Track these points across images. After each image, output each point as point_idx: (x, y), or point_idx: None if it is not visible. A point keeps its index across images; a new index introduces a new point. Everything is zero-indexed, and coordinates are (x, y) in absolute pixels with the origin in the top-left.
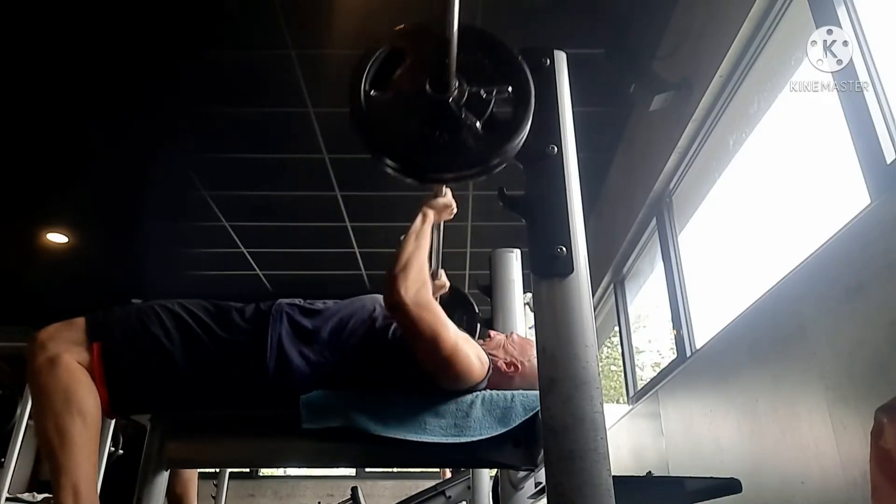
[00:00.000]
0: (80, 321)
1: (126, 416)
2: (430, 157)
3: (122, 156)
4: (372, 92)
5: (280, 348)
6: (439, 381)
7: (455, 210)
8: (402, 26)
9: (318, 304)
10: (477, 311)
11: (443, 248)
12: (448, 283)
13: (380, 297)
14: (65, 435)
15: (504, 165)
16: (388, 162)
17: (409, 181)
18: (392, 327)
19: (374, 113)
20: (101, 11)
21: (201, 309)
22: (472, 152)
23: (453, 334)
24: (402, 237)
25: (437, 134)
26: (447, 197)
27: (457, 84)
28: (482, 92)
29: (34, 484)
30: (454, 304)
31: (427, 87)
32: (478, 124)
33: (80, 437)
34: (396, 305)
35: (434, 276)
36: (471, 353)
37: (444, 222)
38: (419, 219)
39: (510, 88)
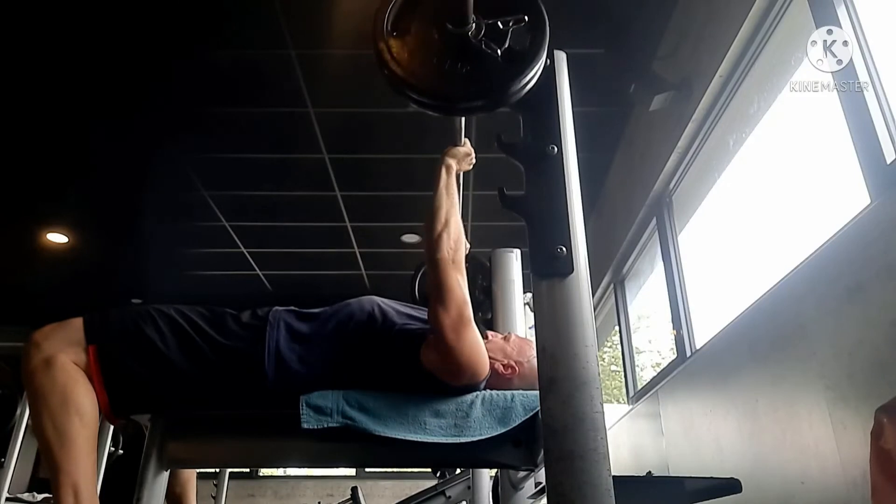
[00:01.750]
0: (77, 322)
1: (125, 418)
2: (453, 88)
3: (122, 156)
4: (394, 32)
5: (278, 354)
6: (443, 367)
7: (474, 159)
8: None
9: (314, 310)
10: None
11: (462, 196)
12: (468, 245)
13: (377, 298)
14: (63, 435)
15: (525, 93)
16: (413, 95)
17: (432, 114)
18: (392, 328)
19: (396, 52)
20: (101, 11)
21: (197, 314)
22: (494, 81)
23: (472, 323)
24: (430, 203)
25: (458, 66)
26: (467, 146)
27: (474, 18)
28: (499, 23)
29: (34, 483)
30: (472, 270)
31: (446, 23)
32: (497, 53)
33: (78, 436)
34: (439, 262)
35: None
36: (480, 342)
37: None
38: (443, 171)
39: (526, 18)
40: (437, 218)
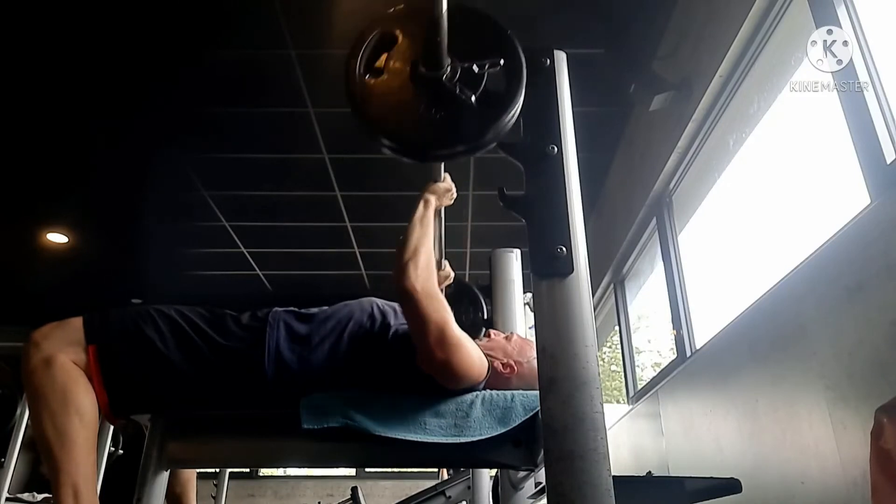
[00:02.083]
0: (77, 322)
1: (125, 418)
2: (426, 135)
3: (122, 156)
4: (367, 76)
5: (278, 354)
6: (439, 378)
7: (455, 195)
8: (392, 9)
9: (313, 310)
10: (483, 303)
11: (444, 247)
12: (452, 274)
13: (376, 299)
14: (63, 435)
15: (500, 139)
16: (386, 142)
17: (406, 160)
18: (392, 329)
19: (369, 95)
20: (101, 12)
21: (197, 315)
22: (468, 127)
23: (457, 331)
24: (403, 234)
25: (432, 111)
26: (447, 181)
27: (449, 61)
28: (474, 67)
29: (35, 482)
30: (459, 296)
31: (420, 66)
32: (472, 98)
33: (78, 436)
34: (407, 293)
35: (437, 266)
36: (472, 351)
37: (445, 220)
38: (421, 205)
39: (502, 61)
40: (404, 248)
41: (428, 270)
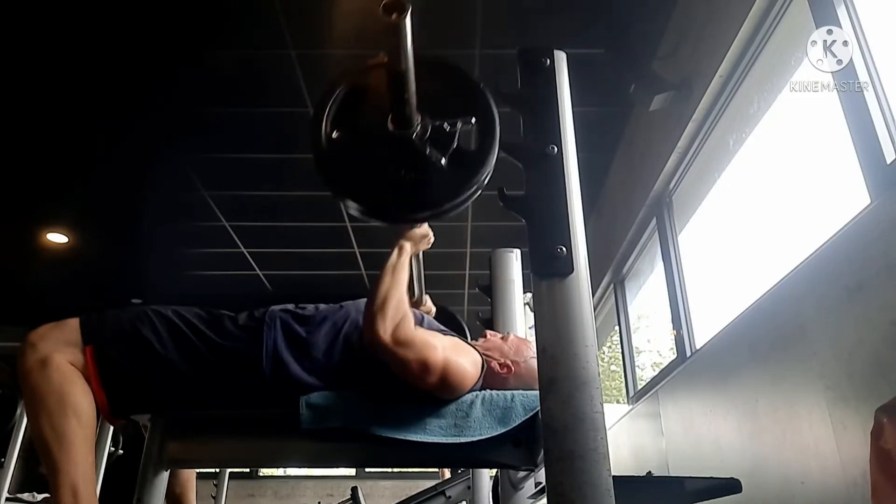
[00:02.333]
0: (73, 322)
1: (124, 418)
2: (396, 198)
3: (122, 156)
4: (334, 133)
5: (276, 354)
6: (437, 395)
7: (432, 240)
8: (359, 64)
9: (310, 309)
10: (468, 334)
11: (442, 236)
12: (434, 308)
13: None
14: (61, 435)
15: (474, 198)
16: (354, 204)
17: (375, 223)
18: None
19: (336, 154)
20: (101, 12)
21: (194, 315)
22: (439, 189)
23: (441, 354)
24: (373, 282)
25: (402, 172)
26: (423, 227)
27: (419, 119)
28: (445, 125)
29: (35, 481)
30: (443, 322)
31: (389, 123)
32: (443, 161)
33: (75, 436)
34: (377, 345)
35: (418, 304)
36: (462, 362)
37: (437, 227)
38: (395, 252)
39: (473, 120)
40: (373, 299)
41: (396, 319)
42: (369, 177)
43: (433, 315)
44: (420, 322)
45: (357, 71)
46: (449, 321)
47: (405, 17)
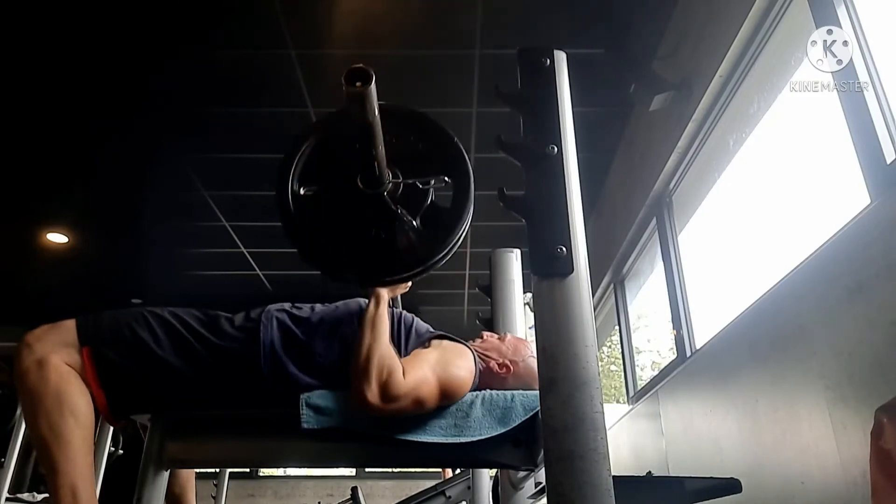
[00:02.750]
0: (70, 323)
1: (124, 419)
2: (365, 261)
3: (122, 156)
4: (301, 190)
5: (273, 354)
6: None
7: (409, 283)
8: (325, 117)
9: (305, 309)
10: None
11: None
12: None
13: (363, 300)
14: (59, 436)
15: (448, 259)
16: (324, 267)
17: (345, 284)
18: None
19: (303, 213)
20: (101, 11)
21: (191, 317)
22: (413, 250)
23: (434, 378)
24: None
25: (372, 233)
26: None
27: (390, 176)
28: (418, 183)
29: (35, 481)
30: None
31: (359, 181)
32: (415, 222)
33: (74, 436)
34: (369, 408)
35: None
36: (456, 373)
37: None
38: (371, 304)
39: (447, 178)
40: (357, 358)
41: (383, 378)
42: (339, 237)
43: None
44: (409, 328)
45: (324, 124)
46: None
47: (370, 86)
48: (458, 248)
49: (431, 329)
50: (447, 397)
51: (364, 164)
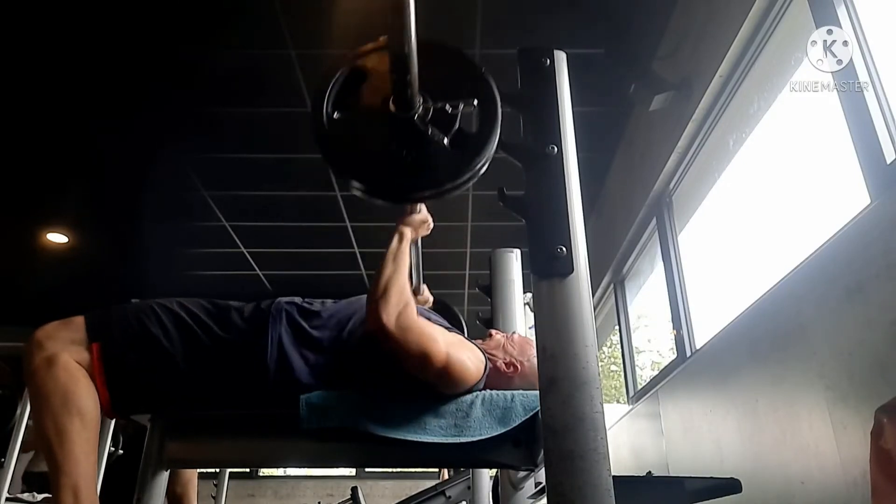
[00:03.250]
0: (79, 320)
1: (126, 416)
2: (397, 177)
3: (122, 156)
4: (335, 114)
5: (280, 348)
6: (435, 388)
7: (431, 225)
8: (362, 47)
9: (317, 304)
10: (464, 326)
11: (442, 236)
12: (431, 299)
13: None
14: (64, 435)
15: (474, 181)
16: (356, 184)
17: (378, 202)
18: None
19: (338, 135)
20: (101, 11)
21: (200, 308)
22: (441, 169)
23: (444, 346)
24: (375, 270)
25: (403, 153)
26: (422, 213)
27: (421, 101)
28: (447, 107)
29: (26, 479)
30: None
31: (391, 105)
32: (445, 140)
33: (78, 436)
34: (379, 332)
35: (416, 292)
36: (464, 358)
37: (437, 227)
38: (395, 239)
39: (476, 102)
40: (375, 287)
41: (400, 304)
42: (371, 157)
43: (430, 305)
44: (426, 316)
45: (360, 53)
46: (446, 313)
47: (410, 20)
48: (485, 170)
49: (447, 324)
50: (449, 375)
51: (396, 89)
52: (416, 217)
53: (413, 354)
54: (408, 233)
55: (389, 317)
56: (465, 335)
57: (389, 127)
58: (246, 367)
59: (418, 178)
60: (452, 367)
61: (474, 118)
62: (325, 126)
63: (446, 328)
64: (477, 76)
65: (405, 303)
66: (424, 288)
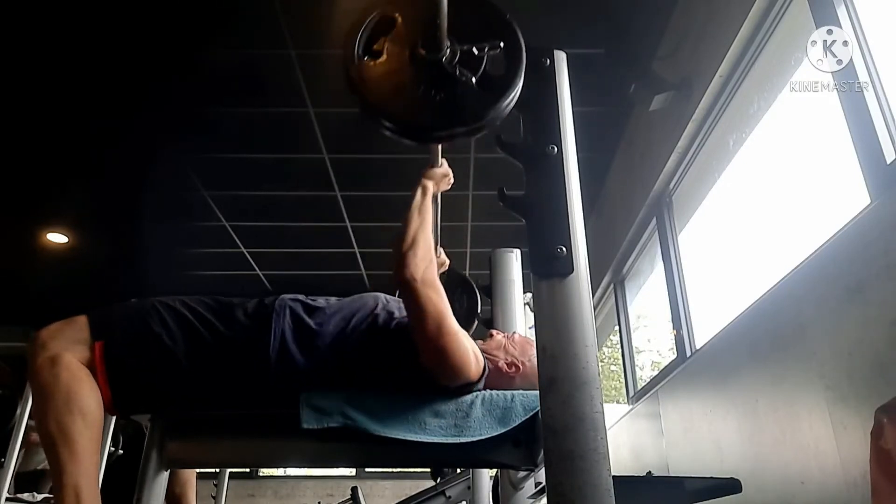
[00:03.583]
0: (82, 319)
1: (127, 415)
2: (426, 116)
3: (122, 155)
4: (365, 58)
5: (283, 342)
6: (436, 372)
7: (452, 180)
8: None
9: (321, 301)
10: (477, 292)
11: (441, 236)
12: (447, 262)
13: (382, 294)
14: (66, 434)
15: (499, 122)
16: (386, 123)
17: (407, 142)
18: (393, 323)
19: (368, 77)
20: (101, 11)
21: (203, 305)
22: (469, 109)
23: (454, 324)
24: (401, 222)
25: (432, 93)
26: (444, 167)
27: (448, 44)
28: (474, 49)
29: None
30: (453, 285)
31: (420, 48)
32: (473, 80)
33: (81, 436)
34: (406, 283)
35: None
36: (468, 346)
37: (445, 220)
38: (419, 192)
39: (502, 45)
40: (403, 238)
41: (427, 259)
42: (400, 98)
43: (446, 268)
44: None
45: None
46: (459, 282)
47: None
48: (509, 111)
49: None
50: (449, 355)
51: (426, 34)
52: (438, 171)
53: (430, 314)
54: (430, 186)
55: (417, 269)
56: (477, 306)
57: (419, 69)
58: (248, 361)
59: (447, 118)
60: (458, 345)
61: (499, 62)
62: (355, 67)
63: None
64: (503, 21)
65: (430, 259)
66: (441, 251)
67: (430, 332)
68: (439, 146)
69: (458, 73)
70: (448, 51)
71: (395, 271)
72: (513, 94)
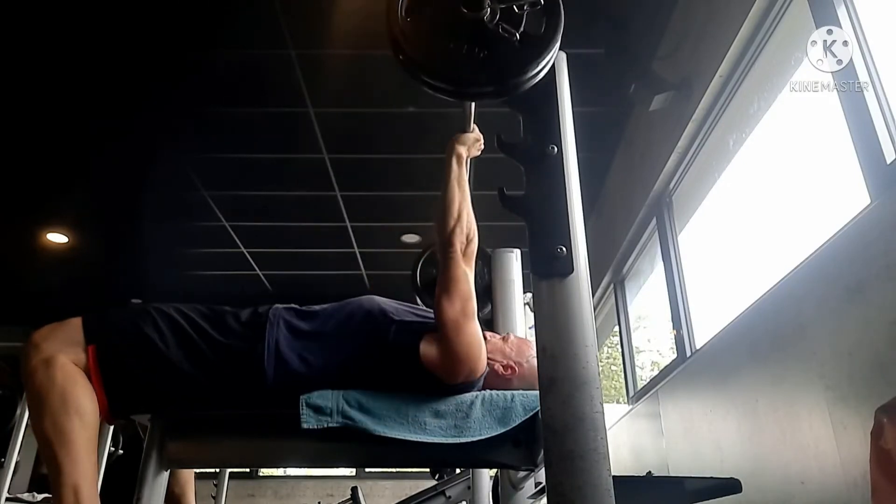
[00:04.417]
0: (76, 322)
1: (121, 418)
2: (468, 73)
3: (122, 156)
4: (408, 18)
5: (278, 353)
6: (445, 359)
7: (483, 145)
8: None
9: (315, 308)
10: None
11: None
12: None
13: (377, 297)
14: (63, 435)
15: (541, 78)
16: (428, 80)
17: (450, 99)
18: (392, 327)
19: (410, 35)
20: (102, 11)
21: (197, 313)
22: (510, 66)
23: (476, 311)
24: (442, 193)
25: (474, 51)
26: (475, 132)
27: (489, 2)
28: (514, 7)
29: (35, 482)
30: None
31: (461, 6)
32: (516, 35)
33: (78, 436)
34: (451, 256)
35: None
36: (481, 338)
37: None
38: (454, 162)
39: (542, 1)
40: (450, 211)
41: (470, 233)
42: (442, 55)
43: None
44: None
45: None
46: (478, 253)
47: None
48: (549, 68)
49: None
50: (464, 341)
51: None
52: (471, 135)
53: (459, 294)
54: (463, 152)
55: (462, 243)
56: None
57: (460, 27)
58: (242, 372)
59: (487, 74)
60: (470, 337)
61: (538, 19)
62: (397, 26)
63: None
64: None
65: (474, 233)
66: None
67: (455, 310)
68: (472, 111)
69: (500, 29)
70: (488, 10)
71: (442, 244)
72: (553, 50)
